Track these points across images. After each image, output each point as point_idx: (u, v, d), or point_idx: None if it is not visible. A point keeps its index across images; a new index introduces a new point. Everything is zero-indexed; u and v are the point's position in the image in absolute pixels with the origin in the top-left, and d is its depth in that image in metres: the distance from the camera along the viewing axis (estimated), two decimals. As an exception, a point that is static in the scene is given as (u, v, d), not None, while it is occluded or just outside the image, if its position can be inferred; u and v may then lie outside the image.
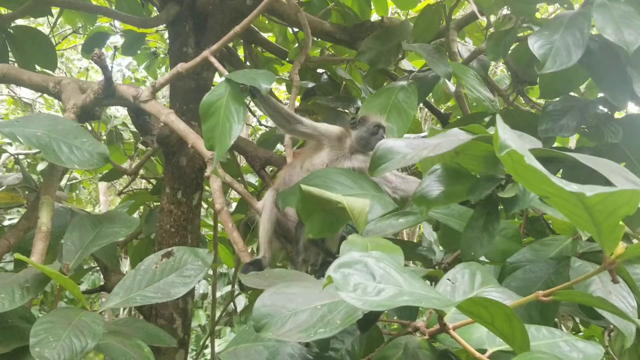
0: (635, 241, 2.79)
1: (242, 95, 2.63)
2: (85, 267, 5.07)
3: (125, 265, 7.67)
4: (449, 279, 1.75)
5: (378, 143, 1.99)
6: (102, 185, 11.29)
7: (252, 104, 5.32)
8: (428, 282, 1.45)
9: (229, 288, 8.35)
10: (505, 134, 1.16)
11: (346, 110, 4.04)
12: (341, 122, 3.58)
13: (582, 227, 1.25)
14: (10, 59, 4.09)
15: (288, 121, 2.86)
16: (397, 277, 1.30)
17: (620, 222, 1.19)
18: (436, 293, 1.32)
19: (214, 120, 2.53)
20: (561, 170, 2.93)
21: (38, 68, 4.21)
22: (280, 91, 8.28)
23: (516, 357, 1.11)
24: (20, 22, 5.06)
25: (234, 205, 5.55)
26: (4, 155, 6.44)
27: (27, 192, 4.04)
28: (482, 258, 2.55)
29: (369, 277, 1.28)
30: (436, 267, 2.90)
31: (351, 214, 2.01)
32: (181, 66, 2.89)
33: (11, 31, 4.02)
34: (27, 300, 2.05)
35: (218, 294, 8.39)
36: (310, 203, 2.18)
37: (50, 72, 4.30)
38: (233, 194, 6.69)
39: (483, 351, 1.42)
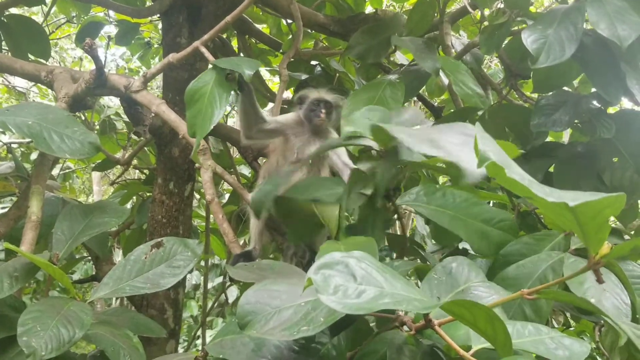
0: (627, 237, 2.80)
1: (229, 85, 2.63)
2: (77, 256, 5.05)
3: (118, 255, 7.66)
4: (435, 275, 1.75)
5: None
6: (96, 175, 11.28)
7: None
8: (412, 280, 1.45)
9: (221, 279, 8.35)
10: (486, 146, 1.16)
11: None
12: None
13: (567, 228, 1.26)
14: (3, 47, 4.07)
15: (256, 121, 2.88)
16: (379, 277, 1.30)
17: (607, 222, 1.19)
18: (418, 294, 1.31)
19: (197, 106, 2.54)
20: (554, 165, 2.93)
21: (32, 57, 4.19)
22: (274, 82, 8.25)
23: None
24: (14, 10, 5.05)
25: (227, 196, 5.55)
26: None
27: (19, 181, 4.03)
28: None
29: (349, 279, 1.27)
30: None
31: (322, 218, 2.02)
32: (172, 56, 2.88)
33: (4, 20, 4.00)
34: (15, 289, 2.06)
35: (210, 285, 8.39)
36: (290, 211, 2.20)
37: (44, 62, 4.28)
38: (226, 185, 6.68)
39: (468, 348, 1.43)
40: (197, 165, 2.82)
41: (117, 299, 7.84)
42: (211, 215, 4.83)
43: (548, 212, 1.22)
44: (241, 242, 2.88)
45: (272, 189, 2.46)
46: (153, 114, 3.24)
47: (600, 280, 1.32)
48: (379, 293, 1.24)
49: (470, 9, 3.15)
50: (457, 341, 1.42)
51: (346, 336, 1.79)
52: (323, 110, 2.88)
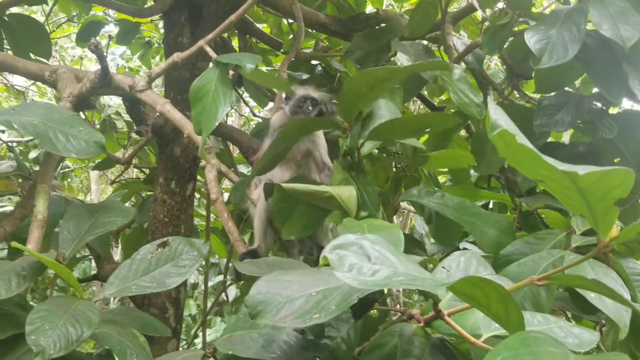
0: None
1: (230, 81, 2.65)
2: (77, 255, 5.05)
3: (116, 254, 7.66)
4: (443, 267, 1.77)
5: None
6: (94, 173, 11.29)
7: (246, 94, 5.32)
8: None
9: (220, 278, 8.35)
10: (497, 115, 1.17)
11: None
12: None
13: (576, 210, 1.26)
14: (5, 47, 4.08)
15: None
16: (392, 258, 1.32)
17: (615, 205, 1.20)
18: (430, 275, 1.33)
19: (202, 104, 2.56)
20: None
21: (32, 56, 4.20)
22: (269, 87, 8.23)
23: (512, 335, 1.12)
24: (15, 10, 5.05)
25: (226, 195, 5.56)
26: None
27: (20, 180, 4.04)
28: (476, 249, 2.57)
29: (364, 259, 1.30)
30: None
31: (340, 200, 2.02)
32: (177, 56, 2.89)
33: (6, 19, 4.01)
34: (23, 288, 2.06)
35: (209, 284, 8.39)
36: (290, 202, 2.20)
37: (45, 61, 4.29)
38: (225, 184, 6.68)
39: (478, 336, 1.44)
40: (201, 164, 2.82)
41: (116, 298, 7.84)
42: (211, 214, 4.84)
43: (557, 194, 1.23)
44: (242, 241, 2.88)
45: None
46: (156, 113, 3.24)
47: (609, 264, 1.34)
48: (392, 272, 1.27)
49: (477, 6, 3.15)
50: (467, 330, 1.44)
51: (355, 330, 1.81)
52: (310, 108, 2.89)
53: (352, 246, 1.32)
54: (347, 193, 2.04)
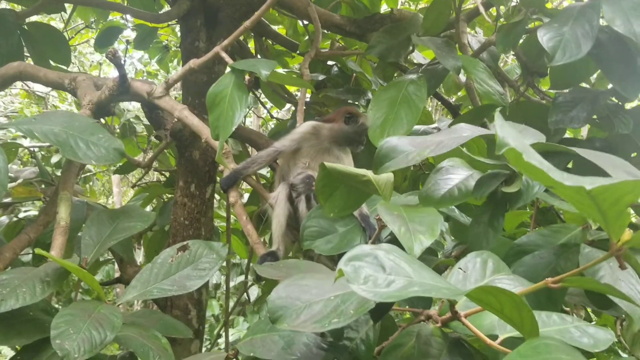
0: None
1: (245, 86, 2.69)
2: (101, 259, 5.13)
3: (139, 256, 7.73)
4: (460, 268, 1.78)
5: (382, 141, 2.03)
6: (115, 177, 11.37)
7: (262, 95, 5.35)
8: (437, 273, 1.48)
9: (242, 278, 8.39)
10: (504, 132, 1.18)
11: (357, 103, 4.06)
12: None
13: (588, 216, 1.27)
14: (24, 54, 4.13)
15: (272, 158, 3.00)
16: (407, 268, 1.33)
17: (628, 209, 1.21)
18: (446, 283, 1.35)
19: (219, 109, 2.60)
20: (572, 161, 2.94)
21: (52, 63, 4.25)
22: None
23: (524, 342, 1.14)
24: (34, 18, 5.11)
25: (246, 196, 5.60)
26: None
27: (43, 186, 4.10)
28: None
29: (379, 269, 1.31)
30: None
31: (377, 185, 2.03)
32: (193, 62, 2.93)
33: (26, 27, 4.06)
34: (47, 294, 2.10)
35: (231, 284, 8.44)
36: (332, 181, 2.22)
37: (65, 67, 4.34)
38: (244, 185, 6.72)
39: (494, 337, 1.46)
40: (220, 167, 2.86)
41: (139, 300, 7.89)
42: (231, 216, 4.88)
43: (568, 200, 1.24)
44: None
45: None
46: (176, 119, 3.29)
47: (622, 266, 1.34)
48: (407, 282, 1.27)
49: (482, 10, 3.17)
50: (483, 331, 1.45)
51: (374, 331, 1.83)
52: (365, 139, 3.00)
53: (367, 257, 1.33)
54: (384, 178, 2.05)
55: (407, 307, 2.07)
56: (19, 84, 10.03)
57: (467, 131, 1.91)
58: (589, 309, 3.71)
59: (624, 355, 3.67)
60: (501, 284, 1.70)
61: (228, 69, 2.77)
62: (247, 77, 2.72)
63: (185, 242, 2.33)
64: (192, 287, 2.19)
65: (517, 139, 1.18)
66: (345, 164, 2.93)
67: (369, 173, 2.07)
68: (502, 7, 3.42)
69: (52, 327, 1.84)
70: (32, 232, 2.79)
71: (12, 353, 2.52)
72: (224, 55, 2.84)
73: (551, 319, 1.58)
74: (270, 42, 5.21)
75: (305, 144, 2.95)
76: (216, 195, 4.81)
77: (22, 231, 2.82)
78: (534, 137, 1.97)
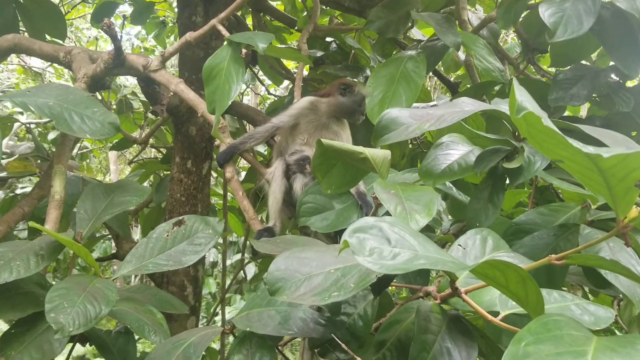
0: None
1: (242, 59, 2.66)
2: (97, 235, 5.10)
3: (136, 233, 7.72)
4: (460, 245, 1.76)
5: (383, 113, 2.01)
6: (112, 154, 11.36)
7: (260, 72, 5.32)
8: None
9: (238, 256, 8.40)
10: (522, 97, 1.16)
11: (355, 79, 4.03)
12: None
13: (595, 191, 1.25)
14: (20, 28, 4.09)
15: (273, 133, 2.99)
16: (412, 241, 1.31)
17: (635, 185, 1.19)
18: (450, 257, 1.33)
19: (215, 83, 2.58)
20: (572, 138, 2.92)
21: (48, 37, 4.21)
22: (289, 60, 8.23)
23: (534, 319, 1.12)
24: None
25: (243, 174, 5.58)
26: (16, 125, 6.46)
27: (39, 161, 4.07)
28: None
29: (384, 242, 1.29)
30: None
31: (374, 162, 2.02)
32: (190, 35, 2.89)
33: (21, 1, 4.01)
34: (42, 267, 2.08)
35: (228, 262, 8.45)
36: (330, 158, 2.20)
37: (60, 42, 4.30)
38: (242, 162, 6.70)
39: (495, 314, 1.44)
40: (216, 143, 2.84)
41: (136, 276, 7.91)
42: (228, 193, 4.86)
43: (576, 175, 1.22)
44: (258, 219, 2.90)
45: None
46: (171, 93, 3.26)
47: (628, 244, 1.33)
48: (413, 255, 1.26)
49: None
50: (483, 308, 1.44)
51: (372, 306, 1.82)
52: (364, 108, 2.96)
53: (371, 229, 1.31)
54: (381, 156, 2.03)
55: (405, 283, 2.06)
56: (15, 60, 9.98)
57: (469, 105, 1.89)
58: (586, 289, 3.71)
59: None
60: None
61: (225, 43, 2.74)
62: (244, 50, 2.69)
63: (181, 217, 2.32)
64: (188, 262, 2.18)
65: (534, 104, 1.16)
66: (343, 139, 2.91)
67: (366, 150, 2.05)
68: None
69: (46, 301, 1.83)
70: (26, 205, 2.77)
71: (6, 327, 2.51)
72: (220, 28, 2.80)
73: (552, 297, 1.58)
74: (268, 18, 5.16)
75: (303, 120, 2.93)
76: (213, 173, 4.79)
77: (17, 205, 2.80)
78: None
